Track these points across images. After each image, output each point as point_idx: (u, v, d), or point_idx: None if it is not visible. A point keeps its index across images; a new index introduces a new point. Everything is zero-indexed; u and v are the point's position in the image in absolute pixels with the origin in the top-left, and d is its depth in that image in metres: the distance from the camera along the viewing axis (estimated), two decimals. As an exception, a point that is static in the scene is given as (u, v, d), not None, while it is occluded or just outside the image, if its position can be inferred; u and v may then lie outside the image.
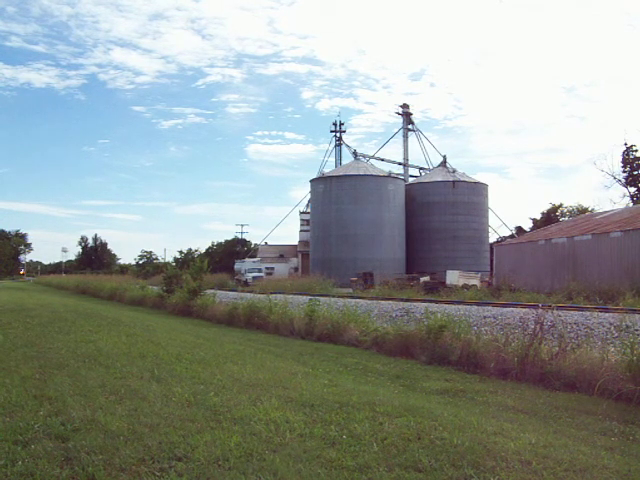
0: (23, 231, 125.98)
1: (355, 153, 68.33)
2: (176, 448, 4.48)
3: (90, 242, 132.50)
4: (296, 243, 76.29)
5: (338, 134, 76.92)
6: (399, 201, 59.54)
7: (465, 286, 33.70)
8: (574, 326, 12.15)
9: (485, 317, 14.22)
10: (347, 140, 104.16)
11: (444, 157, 67.29)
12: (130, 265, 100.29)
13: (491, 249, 54.14)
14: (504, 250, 40.80)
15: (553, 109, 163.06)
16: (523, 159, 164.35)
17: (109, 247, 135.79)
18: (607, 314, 13.54)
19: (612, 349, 9.35)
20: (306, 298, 20.73)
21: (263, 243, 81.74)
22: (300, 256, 71.30)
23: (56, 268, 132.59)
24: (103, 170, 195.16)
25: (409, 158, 74.68)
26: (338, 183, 58.55)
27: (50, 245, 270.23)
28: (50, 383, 6.68)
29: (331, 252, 57.09)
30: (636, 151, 56.09)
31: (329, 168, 72.29)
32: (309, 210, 66.58)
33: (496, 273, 39.63)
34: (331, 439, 4.91)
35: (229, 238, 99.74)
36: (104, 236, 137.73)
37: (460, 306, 17.55)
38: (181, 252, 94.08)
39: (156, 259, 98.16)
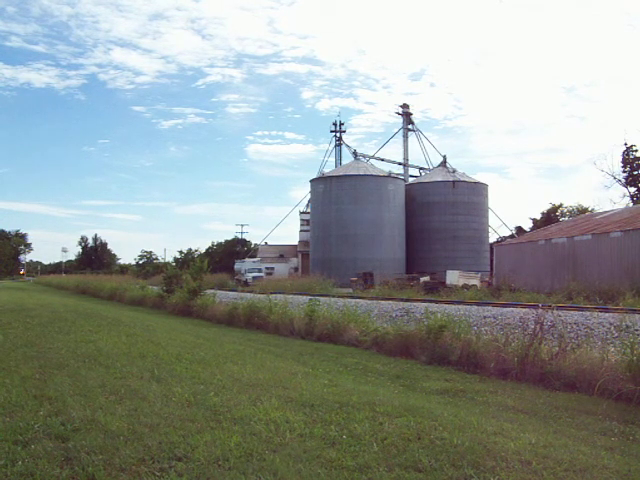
0: (23, 231, 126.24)
1: (355, 153, 68.36)
2: (176, 448, 4.48)
3: (90, 242, 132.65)
4: (296, 243, 76.29)
5: (338, 134, 76.97)
6: (399, 201, 59.54)
7: (465, 286, 33.70)
8: (574, 326, 12.15)
9: (485, 317, 14.22)
10: (347, 140, 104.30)
11: (444, 157, 67.38)
12: (130, 265, 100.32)
13: (491, 249, 54.14)
14: (504, 250, 40.79)
15: (553, 109, 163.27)
16: (523, 159, 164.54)
17: (109, 247, 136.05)
18: (607, 314, 13.54)
19: (612, 349, 9.35)
20: (306, 298, 20.73)
21: (263, 243, 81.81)
22: (300, 256, 71.31)
23: (56, 268, 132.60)
24: (103, 170, 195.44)
25: (409, 158, 74.79)
26: (338, 183, 58.56)
27: (50, 245, 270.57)
28: (50, 383, 6.68)
29: (331, 252, 57.08)
30: (636, 151, 56.10)
31: (329, 168, 72.41)
32: (309, 210, 66.58)
33: (496, 273, 39.63)
34: (331, 439, 4.91)
35: (229, 238, 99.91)
36: (104, 236, 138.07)
37: (460, 306, 17.55)
38: (181, 252, 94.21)
39: (156, 259, 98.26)
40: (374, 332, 13.41)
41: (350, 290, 36.93)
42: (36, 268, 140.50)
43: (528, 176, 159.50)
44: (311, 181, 63.50)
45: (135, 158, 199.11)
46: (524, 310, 14.59)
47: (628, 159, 56.17)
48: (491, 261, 51.04)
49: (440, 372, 10.13)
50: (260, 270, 58.66)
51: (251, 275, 55.30)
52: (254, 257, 73.63)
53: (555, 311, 11.94)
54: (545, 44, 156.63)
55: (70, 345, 9.83)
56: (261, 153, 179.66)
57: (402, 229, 59.35)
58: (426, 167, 73.66)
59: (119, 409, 5.59)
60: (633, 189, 56.84)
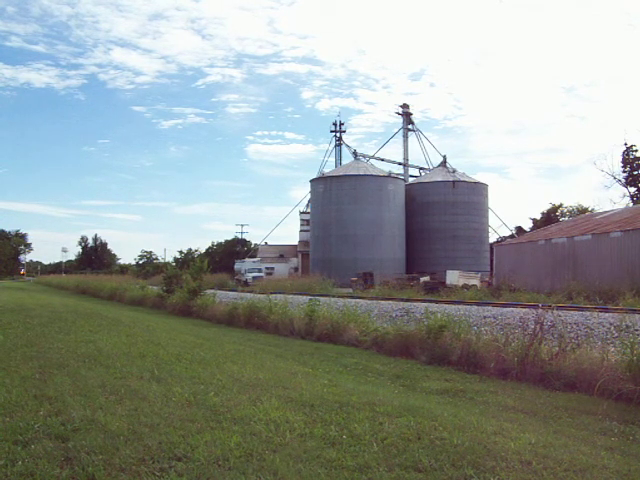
0: (23, 231, 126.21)
1: (355, 153, 68.36)
2: (176, 448, 4.48)
3: (90, 242, 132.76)
4: (296, 243, 76.29)
5: (338, 134, 76.97)
6: (399, 201, 59.55)
7: (465, 286, 33.72)
8: (574, 326, 12.15)
9: (485, 317, 14.23)
10: (347, 140, 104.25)
11: (444, 157, 67.39)
12: (130, 265, 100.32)
13: (491, 249, 54.15)
14: (504, 250, 40.80)
15: (553, 109, 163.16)
16: (523, 159, 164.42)
17: (109, 247, 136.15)
18: (607, 314, 13.54)
19: (612, 349, 9.35)
20: (306, 298, 20.73)
21: (263, 243, 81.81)
22: (300, 256, 71.31)
23: (56, 268, 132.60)
24: (103, 170, 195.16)
25: (409, 158, 74.79)
26: (338, 183, 58.56)
27: (50, 245, 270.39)
28: (50, 383, 6.67)
29: (331, 252, 57.09)
30: (636, 151, 56.10)
31: (329, 168, 72.42)
32: (309, 210, 66.59)
33: (496, 273, 39.63)
34: (331, 439, 4.91)
35: (229, 238, 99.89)
36: (104, 236, 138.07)
37: (460, 306, 17.55)
38: (181, 252, 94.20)
39: (156, 259, 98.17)
40: (374, 332, 13.42)
41: (350, 290, 36.94)
42: (36, 268, 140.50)
43: (528, 176, 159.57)
44: (311, 181, 63.51)
45: (135, 158, 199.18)
46: (524, 310, 14.59)
47: (628, 159, 56.17)
48: (491, 261, 51.05)
49: (440, 372, 10.13)
50: (260, 270, 58.67)
51: (251, 275, 55.31)
52: (254, 257, 73.63)
53: (555, 311, 11.94)
54: (545, 44, 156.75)
55: (70, 345, 9.83)
56: (261, 153, 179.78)
57: (402, 229, 59.36)
58: (426, 167, 73.76)
59: (119, 409, 5.59)
60: (633, 189, 56.85)
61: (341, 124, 77.55)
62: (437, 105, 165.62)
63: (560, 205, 72.55)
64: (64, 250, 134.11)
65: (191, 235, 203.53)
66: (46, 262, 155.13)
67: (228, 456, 4.36)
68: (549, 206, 72.85)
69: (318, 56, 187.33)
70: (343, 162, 72.63)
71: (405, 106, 74.87)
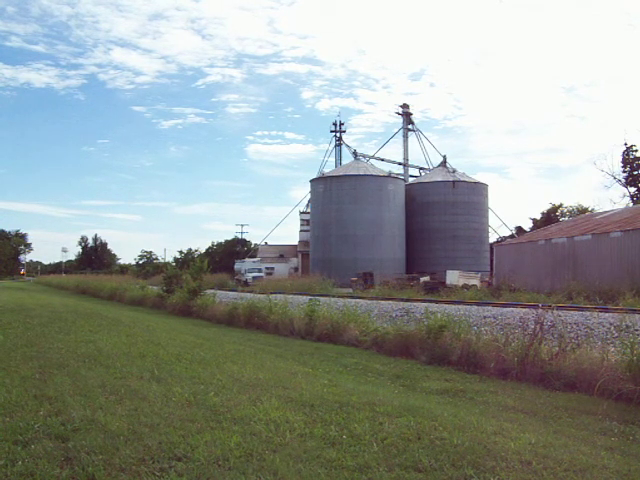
0: (23, 231, 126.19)
1: (355, 153, 68.36)
2: (176, 448, 4.48)
3: (90, 242, 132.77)
4: (296, 243, 76.29)
5: (338, 134, 76.97)
6: (399, 201, 59.55)
7: (465, 286, 33.72)
8: (574, 326, 12.15)
9: (485, 317, 14.23)
10: (347, 140, 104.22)
11: (444, 157, 67.40)
12: (130, 265, 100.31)
13: (491, 249, 54.15)
14: (504, 250, 40.80)
15: (553, 109, 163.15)
16: (523, 159, 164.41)
17: (109, 247, 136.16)
18: (607, 314, 13.54)
19: (612, 349, 9.35)
20: (306, 298, 20.73)
21: (263, 243, 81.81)
22: (300, 256, 71.31)
23: (56, 268, 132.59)
24: (103, 170, 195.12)
25: (409, 158, 74.80)
26: (338, 183, 58.56)
27: (50, 245, 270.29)
28: (50, 383, 6.67)
29: (331, 252, 57.09)
30: (636, 151, 56.10)
31: (329, 168, 72.42)
32: (309, 210, 66.60)
33: (496, 273, 39.63)
34: (331, 439, 4.91)
35: (229, 238, 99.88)
36: (104, 236, 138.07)
37: (460, 306, 17.55)
38: (181, 252, 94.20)
39: (156, 259, 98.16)
40: (374, 332, 13.42)
41: (350, 290, 36.94)
42: (36, 268, 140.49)
43: (528, 176, 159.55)
44: (311, 181, 63.52)
45: (135, 158, 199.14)
46: (524, 310, 14.59)
47: (628, 159, 56.16)
48: (491, 261, 51.05)
49: (440, 372, 10.13)
50: (260, 270, 58.67)
51: (251, 275, 55.31)
52: (254, 257, 73.63)
53: (555, 311, 11.94)
54: (545, 44, 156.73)
55: (70, 345, 9.82)
56: (261, 153, 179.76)
57: (402, 229, 59.36)
58: (426, 167, 73.76)
59: (119, 409, 5.59)
60: (633, 189, 56.85)
61: (341, 124, 77.68)
62: (437, 105, 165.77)
63: (560, 205, 72.63)
64: (64, 250, 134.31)
65: (191, 235, 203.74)
66: (46, 262, 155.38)
67: (228, 456, 4.36)
68: (549, 206, 72.95)
69: (318, 56, 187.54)
70: (343, 162, 72.72)
71: (405, 106, 74.88)
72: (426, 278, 41.55)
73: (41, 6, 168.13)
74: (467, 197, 61.22)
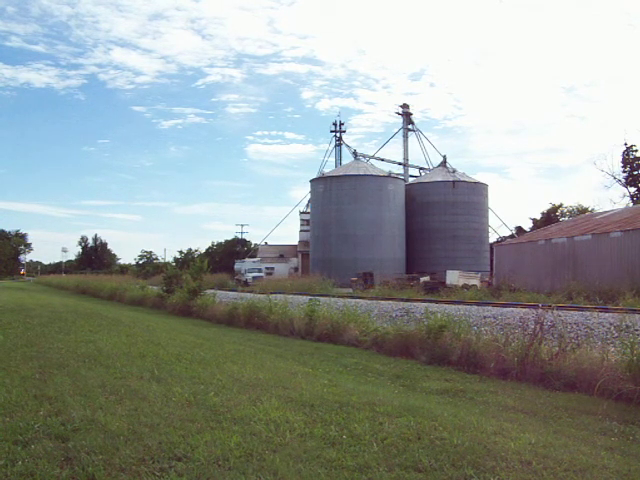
0: (23, 231, 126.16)
1: (355, 153, 68.36)
2: (176, 448, 4.48)
3: (90, 242, 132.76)
4: (296, 243, 76.29)
5: (338, 134, 76.96)
6: (399, 201, 59.55)
7: (465, 286, 33.72)
8: (574, 326, 12.15)
9: (485, 317, 14.23)
10: (347, 140, 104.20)
11: (444, 157, 67.39)
12: (130, 265, 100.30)
13: (491, 249, 54.15)
14: (504, 250, 40.80)
15: (553, 109, 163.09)
16: (523, 159, 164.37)
17: (109, 247, 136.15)
18: (607, 314, 13.54)
19: (612, 349, 9.35)
20: (306, 298, 20.73)
21: (263, 243, 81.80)
22: (300, 256, 71.31)
23: (56, 268, 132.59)
24: (103, 170, 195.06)
25: (409, 158, 74.80)
26: (338, 183, 58.56)
27: (50, 245, 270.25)
28: (50, 383, 6.67)
29: (331, 252, 57.09)
30: (636, 151, 56.09)
31: (329, 168, 72.42)
32: (309, 210, 66.60)
33: (496, 273, 39.63)
34: (331, 439, 4.91)
35: (229, 238, 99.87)
36: (104, 236, 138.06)
37: (460, 306, 17.55)
38: (181, 252, 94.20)
39: (156, 259, 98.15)
40: (374, 332, 13.42)
41: (350, 290, 36.94)
42: (36, 268, 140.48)
43: (528, 176, 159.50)
44: (311, 181, 63.51)
45: (135, 158, 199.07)
46: (524, 310, 14.59)
47: (628, 159, 56.16)
48: (491, 261, 51.05)
49: (440, 372, 10.13)
50: (260, 270, 58.67)
51: (251, 275, 55.31)
52: (254, 257, 73.62)
53: (555, 311, 11.94)
54: (545, 44, 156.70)
55: (70, 345, 9.83)
56: (261, 153, 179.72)
57: (402, 229, 59.36)
58: (426, 167, 73.76)
59: (119, 409, 5.59)
60: (633, 189, 56.85)
61: (341, 124, 77.68)
62: (437, 105, 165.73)
63: (560, 205, 72.63)
64: (64, 250, 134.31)
65: (191, 235, 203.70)
66: (46, 262, 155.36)
67: (228, 456, 4.36)
68: (549, 206, 72.95)
69: (318, 56, 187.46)
70: (343, 162, 72.72)
71: (405, 106, 74.88)
72: (426, 278, 41.55)
73: (41, 6, 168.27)
74: (467, 197, 61.21)
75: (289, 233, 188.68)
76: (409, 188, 63.07)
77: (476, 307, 16.99)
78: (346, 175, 59.22)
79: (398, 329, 12.75)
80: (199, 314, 22.77)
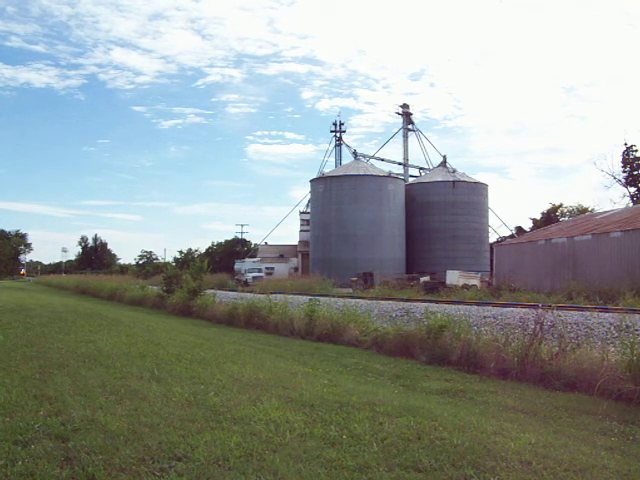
0: (23, 231, 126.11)
1: (355, 153, 68.36)
2: (176, 448, 4.48)
3: (90, 242, 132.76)
4: (296, 243, 76.29)
5: (338, 134, 76.97)
6: (399, 201, 59.55)
7: (465, 286, 33.72)
8: (574, 326, 12.15)
9: (485, 317, 14.23)
10: (347, 140, 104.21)
11: (444, 157, 67.39)
12: (130, 265, 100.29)
13: (491, 249, 54.15)
14: (504, 250, 40.79)
15: (553, 109, 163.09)
16: (523, 159, 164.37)
17: (109, 247, 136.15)
18: (607, 314, 13.54)
19: (612, 349, 9.35)
20: (306, 298, 20.73)
21: (263, 243, 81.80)
22: (300, 256, 71.31)
23: (56, 268, 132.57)
24: (103, 170, 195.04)
25: (409, 158, 74.80)
26: (338, 183, 58.56)
27: (50, 245, 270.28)
28: (50, 383, 6.67)
29: (331, 252, 57.09)
30: (636, 151, 56.09)
31: (329, 168, 72.41)
32: (309, 210, 66.59)
33: (496, 273, 39.63)
34: (331, 439, 4.91)
35: (229, 238, 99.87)
36: (104, 236, 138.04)
37: (460, 306, 17.55)
38: (181, 252, 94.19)
39: (156, 259, 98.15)
40: (374, 332, 13.42)
41: (350, 290, 36.94)
42: (36, 268, 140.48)
43: (528, 176, 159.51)
44: (311, 181, 63.52)
45: (135, 158, 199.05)
46: (524, 310, 14.59)
47: (628, 159, 56.16)
48: (491, 261, 51.04)
49: (440, 372, 10.13)
50: (260, 270, 58.67)
51: (251, 275, 55.31)
52: (254, 257, 73.62)
53: (555, 311, 11.94)
54: (545, 44, 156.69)
55: (70, 345, 9.82)
56: (261, 153, 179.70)
57: (402, 229, 59.36)
58: (426, 167, 73.76)
59: (119, 409, 5.59)
60: (633, 189, 56.85)
61: (341, 124, 77.67)
62: (437, 105, 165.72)
63: (560, 205, 72.62)
64: (64, 250, 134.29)
65: (191, 235, 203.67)
66: (46, 262, 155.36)
67: (228, 456, 4.36)
68: (549, 206, 72.94)
69: (318, 56, 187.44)
70: (343, 162, 72.71)
71: (405, 106, 74.87)
72: (426, 278, 41.55)
73: (41, 6, 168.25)
74: (467, 197, 61.22)
75: (289, 233, 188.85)
76: (409, 188, 63.07)
77: (476, 307, 16.99)
78: (346, 175, 59.23)
79: (398, 329, 12.75)
80: (199, 314, 22.77)
